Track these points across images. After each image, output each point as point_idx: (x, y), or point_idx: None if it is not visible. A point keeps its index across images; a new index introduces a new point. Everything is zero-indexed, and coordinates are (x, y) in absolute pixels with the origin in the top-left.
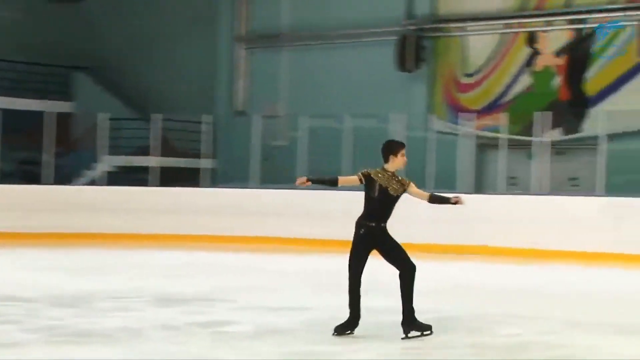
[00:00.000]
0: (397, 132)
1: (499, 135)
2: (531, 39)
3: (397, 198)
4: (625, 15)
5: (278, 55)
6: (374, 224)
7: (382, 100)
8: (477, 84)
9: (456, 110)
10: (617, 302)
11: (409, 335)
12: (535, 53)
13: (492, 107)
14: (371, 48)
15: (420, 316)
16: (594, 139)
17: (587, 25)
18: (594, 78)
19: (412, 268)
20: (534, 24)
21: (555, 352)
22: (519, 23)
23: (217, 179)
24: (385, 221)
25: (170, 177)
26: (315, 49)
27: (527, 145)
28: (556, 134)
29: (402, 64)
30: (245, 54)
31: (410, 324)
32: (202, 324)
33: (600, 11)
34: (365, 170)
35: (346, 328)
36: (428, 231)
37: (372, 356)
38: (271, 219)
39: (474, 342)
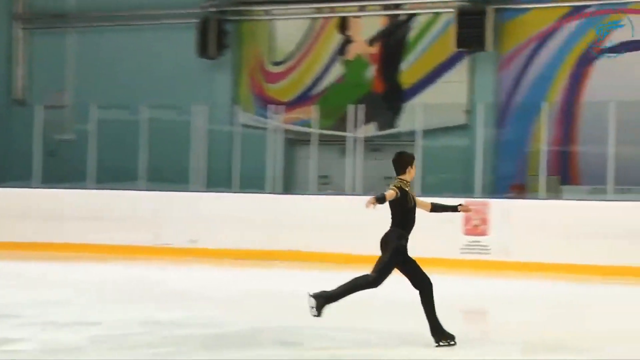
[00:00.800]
0: (199, 125)
1: (310, 130)
2: (343, 25)
3: None
4: (441, 3)
5: (63, 37)
6: (408, 237)
7: (183, 90)
8: (286, 73)
9: (264, 102)
10: (445, 309)
11: (441, 343)
12: (348, 40)
13: (302, 99)
14: (170, 31)
15: (224, 329)
16: (410, 134)
17: (402, 12)
18: (410, 69)
19: (430, 284)
20: (346, 9)
21: None
22: (330, 7)
23: None
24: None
25: None
26: (107, 31)
27: (340, 141)
28: (370, 129)
29: (204, 50)
30: (24, 35)
31: (440, 334)
32: None
33: None
34: (396, 182)
35: (325, 304)
36: (233, 235)
37: None
38: (57, 223)
39: (281, 354)
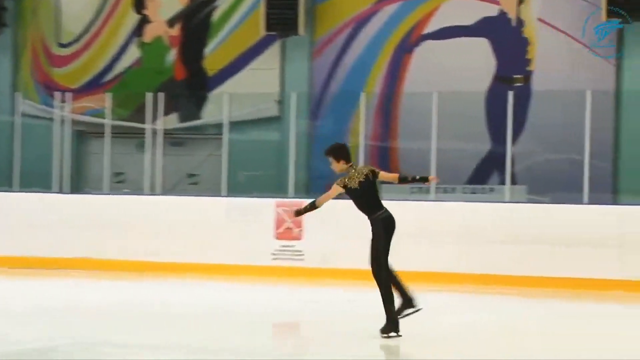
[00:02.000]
0: None
1: (102, 120)
2: (139, 3)
3: None
4: None
5: None
6: None
7: None
8: (74, 56)
9: (49, 88)
10: (254, 321)
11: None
12: (145, 20)
13: (93, 86)
14: None
15: (4, 348)
16: (216, 127)
17: None
18: (215, 54)
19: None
20: None
21: None
22: None
23: None
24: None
25: None
26: None
27: (137, 133)
28: (171, 121)
29: None
30: None
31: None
32: None
33: None
34: (367, 166)
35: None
36: (14, 241)
37: None
38: None
39: None
